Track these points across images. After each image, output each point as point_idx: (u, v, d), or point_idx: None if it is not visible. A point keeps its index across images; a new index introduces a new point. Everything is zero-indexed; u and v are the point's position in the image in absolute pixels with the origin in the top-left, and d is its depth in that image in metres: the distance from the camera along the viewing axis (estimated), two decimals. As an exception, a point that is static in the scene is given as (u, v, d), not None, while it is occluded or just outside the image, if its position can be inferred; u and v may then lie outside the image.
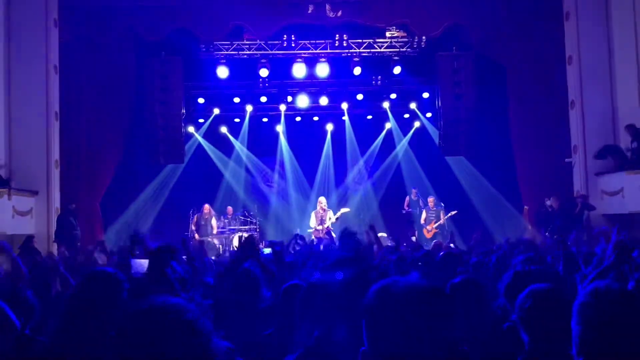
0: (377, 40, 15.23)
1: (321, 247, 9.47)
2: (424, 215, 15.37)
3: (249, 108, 17.04)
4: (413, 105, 17.22)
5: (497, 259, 5.37)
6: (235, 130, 17.65)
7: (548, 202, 12.96)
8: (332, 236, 13.99)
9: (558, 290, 2.69)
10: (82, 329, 2.61)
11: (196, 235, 14.27)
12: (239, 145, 17.56)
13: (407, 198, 16.24)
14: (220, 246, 15.25)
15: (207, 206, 14.82)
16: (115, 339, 1.43)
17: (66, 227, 12.29)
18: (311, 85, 16.51)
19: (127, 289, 2.84)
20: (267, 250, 5.65)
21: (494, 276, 4.66)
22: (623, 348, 1.73)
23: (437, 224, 15.08)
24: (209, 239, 14.38)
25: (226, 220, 15.78)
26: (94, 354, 2.43)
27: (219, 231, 15.24)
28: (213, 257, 12.73)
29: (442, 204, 15.42)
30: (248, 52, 15.30)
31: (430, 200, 15.39)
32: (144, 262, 4.13)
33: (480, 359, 3.00)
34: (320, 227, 14.55)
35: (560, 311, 2.55)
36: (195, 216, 14.74)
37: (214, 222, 14.74)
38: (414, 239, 14.42)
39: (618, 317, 1.76)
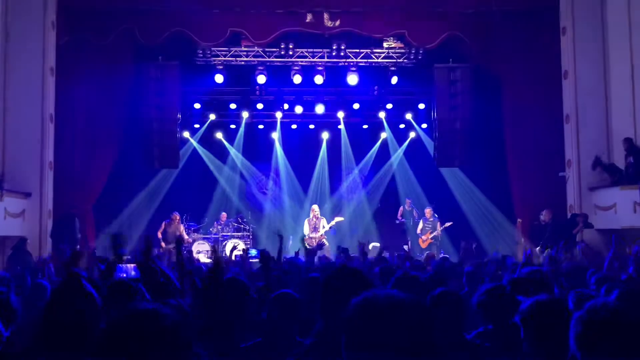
0: (375, 50, 15.28)
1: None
2: (420, 225, 15.41)
3: (245, 114, 17.06)
4: (409, 116, 17.28)
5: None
6: (230, 136, 17.66)
7: (542, 216, 13.01)
8: (324, 246, 13.96)
9: (560, 301, 2.71)
10: (59, 335, 2.59)
11: (162, 244, 14.22)
12: (234, 152, 17.56)
13: (401, 208, 16.28)
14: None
15: (176, 215, 14.73)
16: (94, 346, 1.43)
17: (67, 227, 12.24)
18: (308, 93, 16.54)
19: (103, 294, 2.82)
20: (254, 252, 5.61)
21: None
22: None
23: (432, 235, 15.12)
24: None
25: (219, 226, 15.75)
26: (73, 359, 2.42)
27: (204, 237, 15.37)
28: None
29: (436, 215, 15.45)
30: (245, 59, 15.32)
31: (428, 211, 15.42)
32: (129, 267, 4.13)
33: None
34: (313, 235, 14.54)
35: (563, 322, 2.56)
36: (164, 224, 14.65)
37: (181, 230, 14.67)
38: (406, 247, 14.44)
39: (612, 332, 1.77)
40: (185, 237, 14.64)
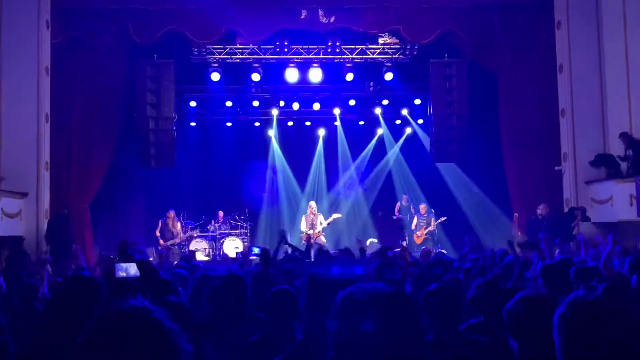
0: (370, 46, 15.27)
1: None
2: (415, 221, 15.46)
3: (241, 113, 17.10)
4: (405, 112, 17.29)
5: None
6: (227, 134, 17.64)
7: (539, 210, 13.04)
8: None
9: (548, 297, 2.71)
10: (61, 333, 2.60)
11: (161, 241, 14.21)
12: (230, 149, 17.54)
13: (398, 204, 16.30)
14: (210, 250, 15.23)
15: (171, 212, 14.66)
16: (82, 345, 1.43)
17: (58, 232, 12.21)
18: (303, 90, 16.53)
19: (106, 292, 2.83)
20: (256, 250, 5.61)
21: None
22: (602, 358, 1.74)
23: (427, 230, 15.15)
24: (174, 244, 14.30)
25: (217, 225, 15.75)
26: (73, 357, 2.42)
27: (201, 235, 15.37)
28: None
29: (433, 211, 15.48)
30: (241, 57, 15.29)
31: (422, 207, 15.46)
32: (129, 266, 4.14)
33: None
34: (310, 232, 14.53)
35: (550, 318, 2.57)
36: (160, 222, 14.61)
37: (178, 227, 14.63)
38: (404, 244, 14.46)
39: (595, 327, 1.76)
40: (181, 234, 14.61)
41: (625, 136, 11.96)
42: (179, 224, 14.71)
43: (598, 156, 12.37)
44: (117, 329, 1.42)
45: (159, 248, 13.93)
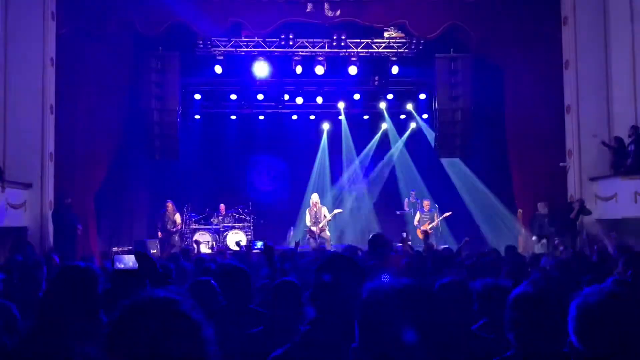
0: (375, 40, 15.22)
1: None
2: (417, 216, 15.43)
3: (245, 106, 17.10)
4: (409, 106, 17.26)
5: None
6: (231, 127, 17.64)
7: (539, 208, 13.05)
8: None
9: (545, 293, 2.70)
10: (57, 323, 2.60)
11: (159, 233, 14.29)
12: (234, 143, 17.55)
13: (406, 200, 16.35)
14: (214, 243, 15.25)
15: (169, 203, 14.62)
16: (108, 333, 1.40)
17: (65, 224, 12.24)
18: (308, 83, 16.51)
19: (102, 282, 2.84)
20: (260, 244, 5.62)
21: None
22: (618, 348, 1.77)
23: (430, 226, 15.14)
24: (175, 236, 14.34)
25: (220, 218, 15.76)
26: (69, 348, 2.43)
27: (204, 228, 15.44)
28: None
29: (437, 206, 15.46)
30: (246, 49, 15.27)
31: (426, 203, 15.44)
32: (128, 257, 4.14)
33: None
34: (314, 228, 14.53)
35: (547, 314, 2.57)
36: (160, 213, 14.67)
37: (177, 218, 14.65)
38: (404, 234, 14.45)
39: (611, 318, 1.79)
40: (179, 222, 14.63)
41: (633, 129, 11.91)
42: (177, 214, 14.71)
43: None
44: (144, 319, 1.40)
45: (159, 236, 14.14)
